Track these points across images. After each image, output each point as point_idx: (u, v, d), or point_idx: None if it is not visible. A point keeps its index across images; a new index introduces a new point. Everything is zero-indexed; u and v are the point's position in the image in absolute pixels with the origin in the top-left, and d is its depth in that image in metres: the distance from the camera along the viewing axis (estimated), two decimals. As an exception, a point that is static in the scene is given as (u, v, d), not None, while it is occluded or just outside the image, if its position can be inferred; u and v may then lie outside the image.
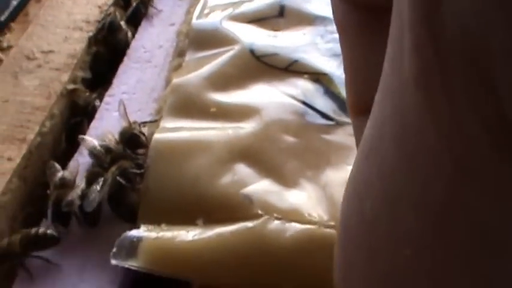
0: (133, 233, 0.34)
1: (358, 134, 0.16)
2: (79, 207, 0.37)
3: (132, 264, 0.33)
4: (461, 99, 0.09)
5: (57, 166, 0.39)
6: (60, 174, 0.38)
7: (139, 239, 0.33)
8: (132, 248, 0.33)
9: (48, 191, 0.38)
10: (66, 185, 0.38)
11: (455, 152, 0.09)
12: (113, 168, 0.38)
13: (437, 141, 0.09)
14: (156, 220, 0.36)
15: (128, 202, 0.38)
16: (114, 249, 0.33)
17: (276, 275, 0.33)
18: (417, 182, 0.10)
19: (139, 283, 0.38)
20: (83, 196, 0.37)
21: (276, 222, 0.34)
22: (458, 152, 0.09)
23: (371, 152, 0.11)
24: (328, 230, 0.34)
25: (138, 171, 0.38)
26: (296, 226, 0.34)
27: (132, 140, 0.40)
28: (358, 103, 0.15)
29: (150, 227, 0.34)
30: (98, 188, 0.37)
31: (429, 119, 0.09)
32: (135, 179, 0.38)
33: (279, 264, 0.33)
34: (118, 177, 0.38)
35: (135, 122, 0.41)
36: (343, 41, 0.15)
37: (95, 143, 0.39)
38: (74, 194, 0.37)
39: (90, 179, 0.38)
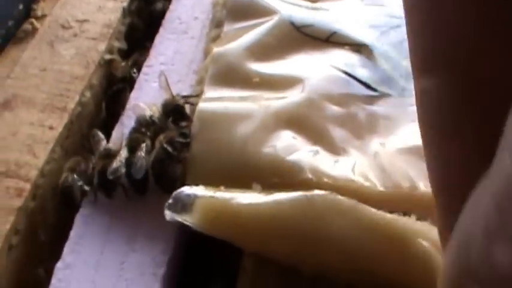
0: (191, 189, 0.33)
1: (423, 99, 0.14)
2: (126, 175, 0.36)
3: (185, 219, 0.32)
4: None
5: (101, 135, 0.38)
6: (104, 143, 0.37)
7: (196, 196, 0.32)
8: (188, 203, 0.32)
9: (93, 159, 0.37)
10: (112, 155, 0.36)
11: None
12: (161, 137, 0.37)
13: None
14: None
15: (172, 173, 0.37)
16: (170, 201, 0.33)
17: (330, 257, 0.31)
18: None
19: (190, 256, 0.37)
20: (128, 164, 0.36)
21: (341, 198, 0.32)
22: None
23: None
24: (392, 220, 0.32)
25: (183, 141, 0.37)
26: (359, 207, 0.32)
27: (175, 112, 0.39)
28: (425, 57, 0.14)
29: (209, 187, 0.33)
30: (143, 154, 0.36)
31: None
32: (181, 149, 0.37)
33: (336, 246, 0.31)
34: (165, 145, 0.37)
35: (178, 95, 0.40)
36: None
37: (147, 112, 0.38)
38: (118, 162, 0.36)
39: (132, 147, 0.37)
